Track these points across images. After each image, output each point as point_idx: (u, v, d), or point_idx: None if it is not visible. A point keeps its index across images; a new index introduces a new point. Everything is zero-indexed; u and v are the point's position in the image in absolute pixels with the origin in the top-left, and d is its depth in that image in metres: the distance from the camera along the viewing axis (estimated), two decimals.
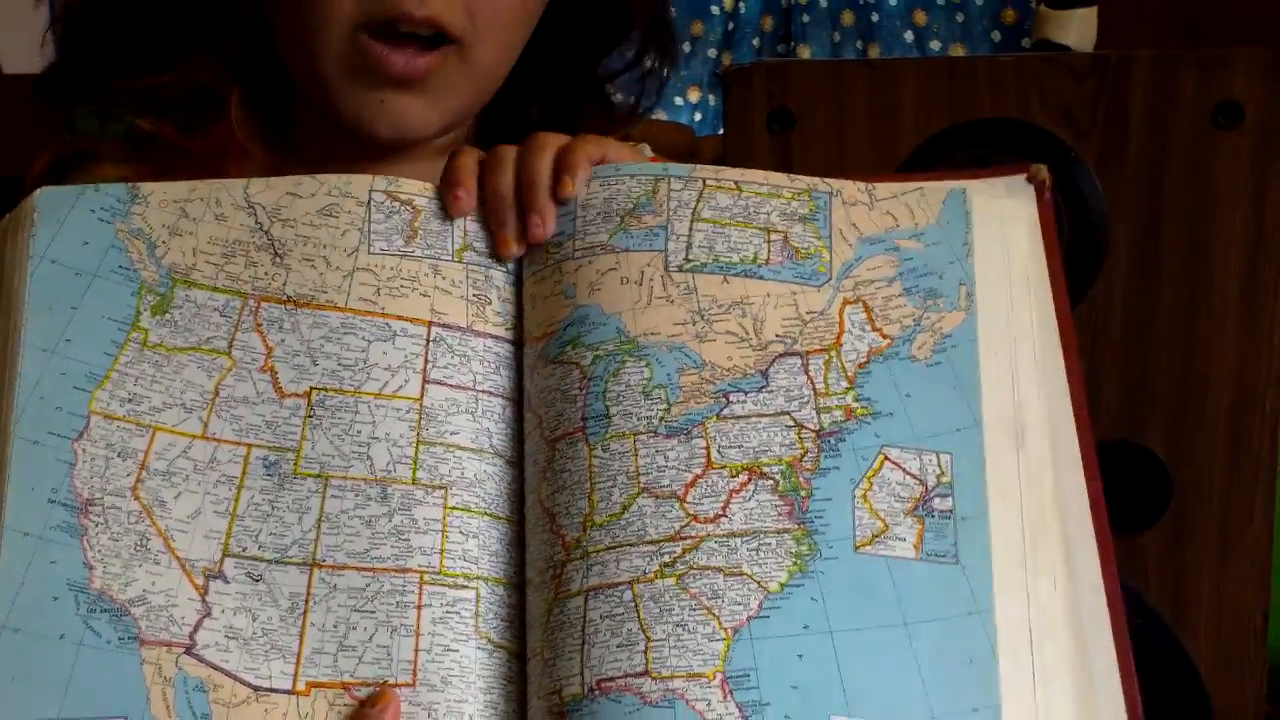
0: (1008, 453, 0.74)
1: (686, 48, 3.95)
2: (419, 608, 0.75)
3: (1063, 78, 1.27)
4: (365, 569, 0.75)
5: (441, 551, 0.76)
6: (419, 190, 0.80)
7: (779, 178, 0.79)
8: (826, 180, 0.79)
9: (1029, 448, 0.75)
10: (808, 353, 0.76)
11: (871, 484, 0.74)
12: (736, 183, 0.79)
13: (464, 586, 0.76)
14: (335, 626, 0.75)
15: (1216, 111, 1.23)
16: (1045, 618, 0.73)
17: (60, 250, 0.78)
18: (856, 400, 0.75)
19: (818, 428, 0.75)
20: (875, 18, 3.79)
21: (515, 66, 0.96)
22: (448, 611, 0.76)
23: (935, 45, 3.77)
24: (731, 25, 3.90)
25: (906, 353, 0.75)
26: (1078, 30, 1.42)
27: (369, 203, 0.79)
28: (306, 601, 0.75)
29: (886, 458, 0.74)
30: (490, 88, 0.95)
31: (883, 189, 0.78)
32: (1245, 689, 1.30)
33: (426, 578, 0.76)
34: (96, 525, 0.75)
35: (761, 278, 0.77)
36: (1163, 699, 1.30)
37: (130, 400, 0.77)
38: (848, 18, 3.84)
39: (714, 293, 0.77)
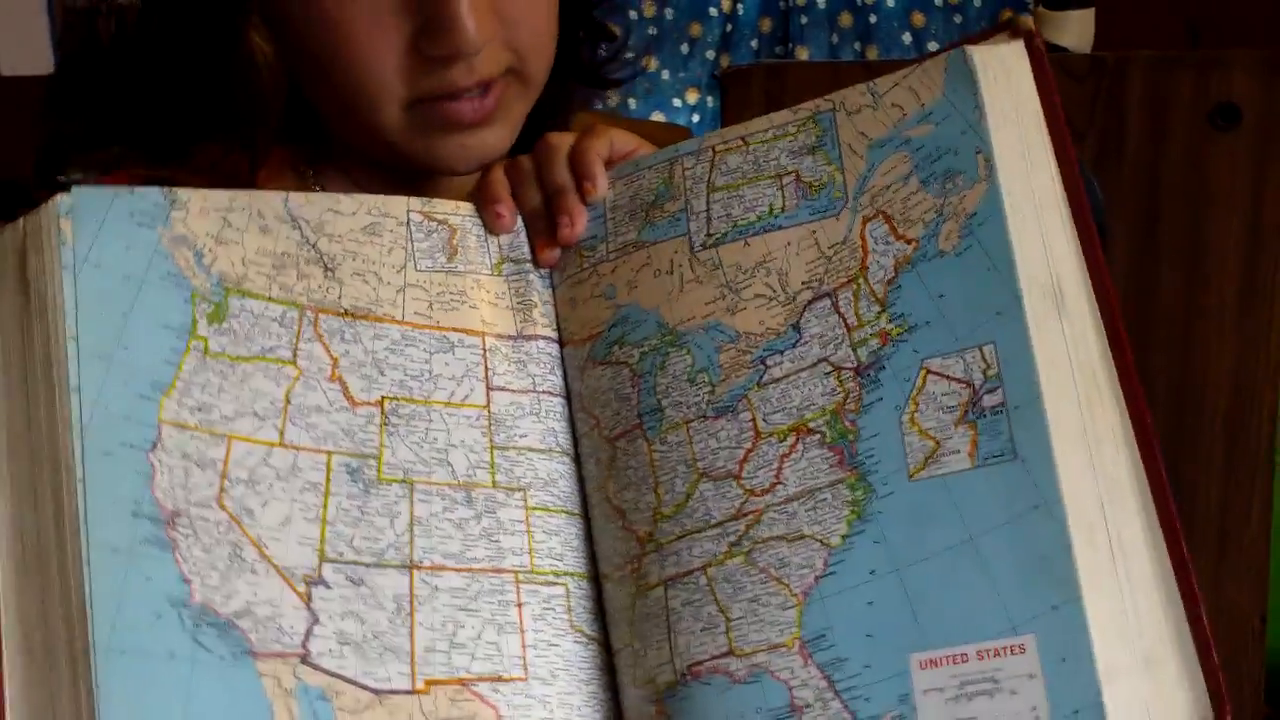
0: (1051, 320, 0.72)
1: (685, 49, 3.95)
2: (519, 605, 0.77)
3: (1061, 79, 1.26)
4: (463, 569, 0.77)
5: (530, 551, 0.78)
6: (452, 210, 0.82)
7: (782, 115, 0.79)
8: (828, 96, 0.78)
9: (1070, 308, 0.73)
10: (836, 289, 0.76)
11: (917, 404, 0.73)
12: (743, 138, 0.80)
13: (554, 583, 0.78)
14: (444, 625, 0.76)
15: (1214, 112, 1.24)
16: (1115, 487, 0.71)
17: (102, 254, 0.76)
18: (890, 321, 0.74)
19: (855, 365, 0.74)
20: (873, 19, 3.79)
21: None
22: (545, 608, 0.77)
23: (933, 47, 3.77)
24: (730, 27, 3.90)
25: (934, 250, 0.74)
26: (1076, 32, 1.42)
27: (408, 223, 0.80)
28: (411, 602, 0.76)
29: (929, 370, 0.73)
30: (541, 88, 0.96)
31: (883, 81, 0.77)
32: (1244, 691, 1.30)
33: (521, 577, 0.77)
34: (186, 538, 0.74)
35: (781, 227, 0.77)
36: None
37: (200, 409, 0.75)
38: (846, 19, 3.85)
39: (738, 259, 0.78)
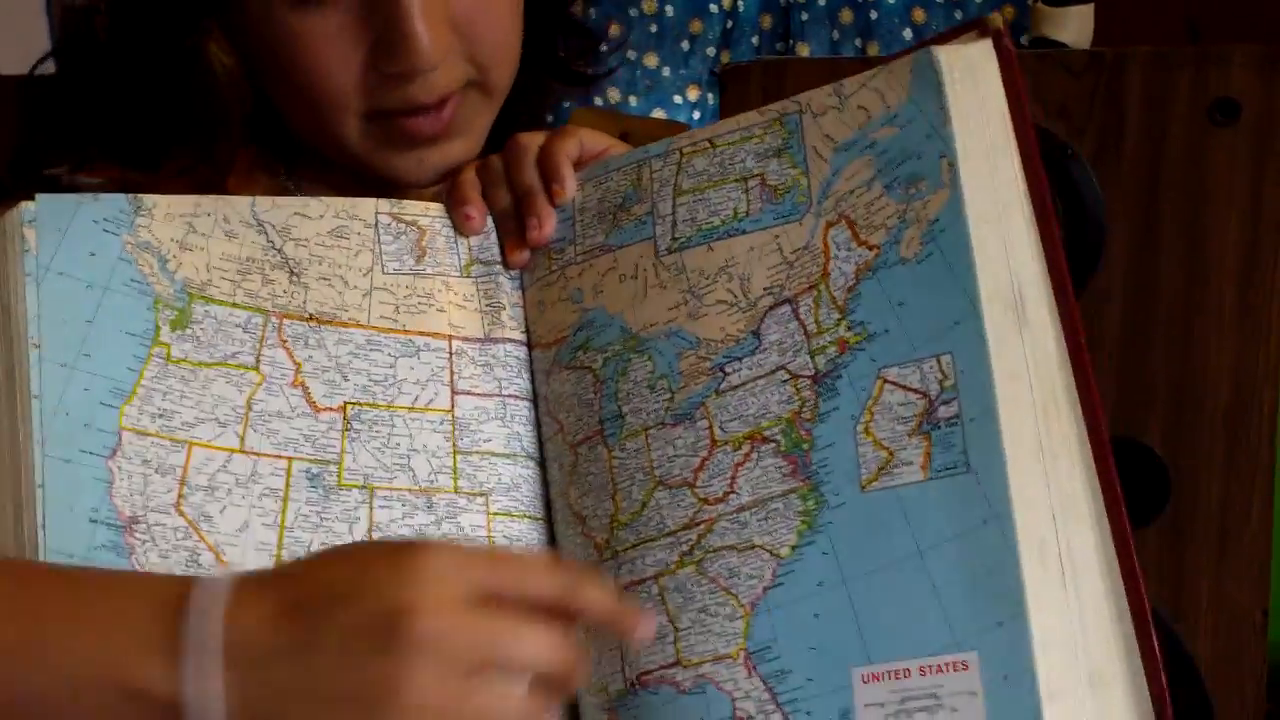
0: (1010, 330, 0.72)
1: (685, 46, 3.94)
2: None
3: (1059, 74, 1.26)
4: None
5: None
6: (421, 211, 0.82)
7: (750, 116, 0.79)
8: (795, 98, 0.79)
9: (1030, 318, 0.72)
10: (796, 295, 0.75)
11: (873, 414, 0.73)
12: (710, 140, 0.79)
13: None
14: None
15: (1213, 108, 1.23)
16: (1068, 501, 0.71)
17: (66, 262, 0.77)
18: (849, 329, 0.74)
19: (813, 372, 0.74)
20: (874, 15, 3.78)
21: None
22: None
23: None
24: (730, 23, 3.89)
25: (895, 257, 0.74)
26: (1074, 27, 1.41)
27: (376, 225, 0.80)
28: None
29: (885, 380, 0.73)
30: (505, 95, 0.95)
31: (850, 83, 0.77)
32: (1245, 687, 1.30)
33: None
34: (143, 543, 0.75)
35: (744, 231, 0.77)
36: None
37: (161, 416, 0.76)
38: (846, 16, 3.83)
39: (701, 264, 0.78)
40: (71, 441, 0.76)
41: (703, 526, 0.75)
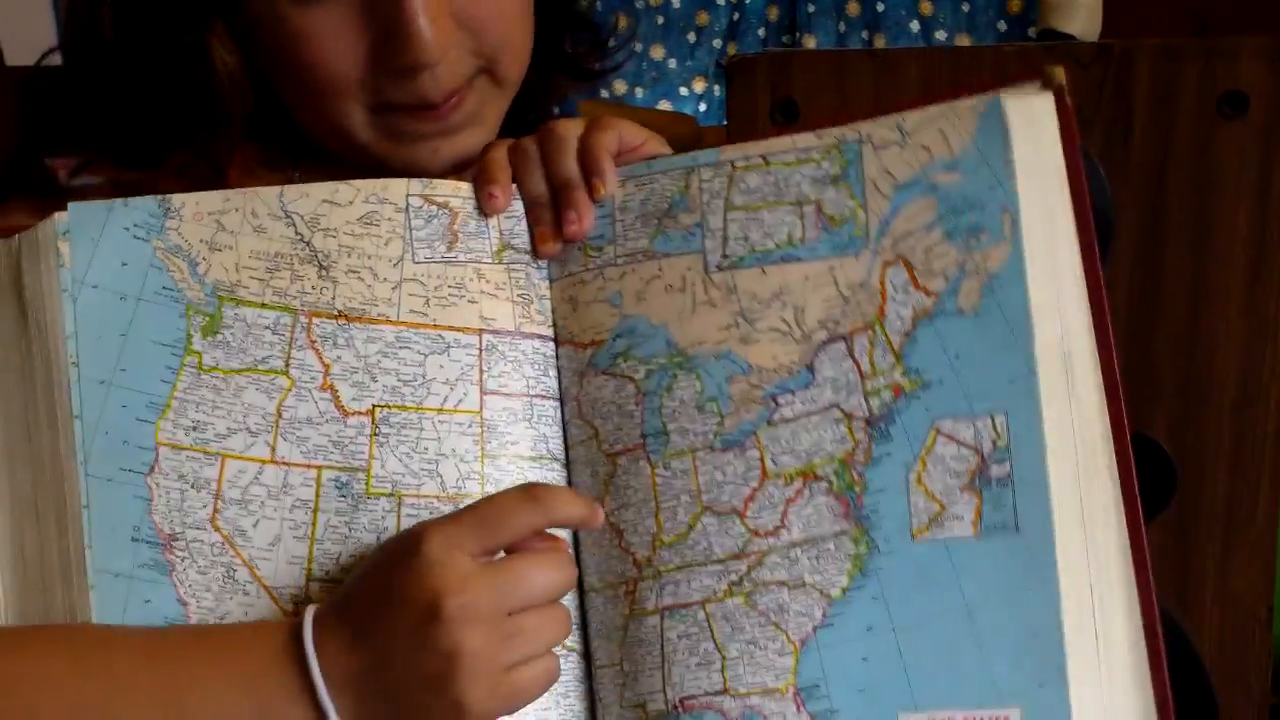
0: (1060, 393, 0.72)
1: (691, 38, 3.94)
2: None
3: (1067, 67, 1.26)
4: None
5: None
6: (453, 190, 0.79)
7: (806, 138, 0.77)
8: (855, 125, 0.76)
9: (1077, 377, 0.73)
10: (851, 333, 0.75)
11: (925, 464, 0.73)
12: (764, 157, 0.77)
13: None
14: None
15: (1221, 101, 1.23)
16: (1104, 571, 0.72)
17: (99, 274, 0.76)
18: (904, 374, 0.73)
19: (867, 415, 0.74)
20: (881, 7, 3.78)
21: None
22: None
23: (941, 35, 3.76)
24: (736, 15, 3.89)
25: (953, 307, 0.73)
26: (1082, 19, 1.41)
27: (407, 209, 0.78)
28: None
29: (939, 431, 0.73)
30: (517, 86, 0.94)
31: (913, 119, 0.75)
32: (1250, 681, 1.30)
33: None
34: (183, 560, 0.74)
35: (799, 259, 0.76)
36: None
37: (195, 428, 0.75)
38: (853, 7, 3.84)
39: (754, 288, 0.76)
40: (112, 460, 0.75)
41: (753, 558, 0.75)
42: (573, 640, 0.78)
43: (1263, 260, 1.24)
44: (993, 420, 0.72)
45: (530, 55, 0.92)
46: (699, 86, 3.97)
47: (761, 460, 0.75)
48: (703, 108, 3.94)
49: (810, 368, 0.75)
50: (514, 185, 0.81)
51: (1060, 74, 0.74)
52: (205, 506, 0.75)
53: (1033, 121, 0.74)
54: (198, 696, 0.71)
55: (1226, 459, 1.27)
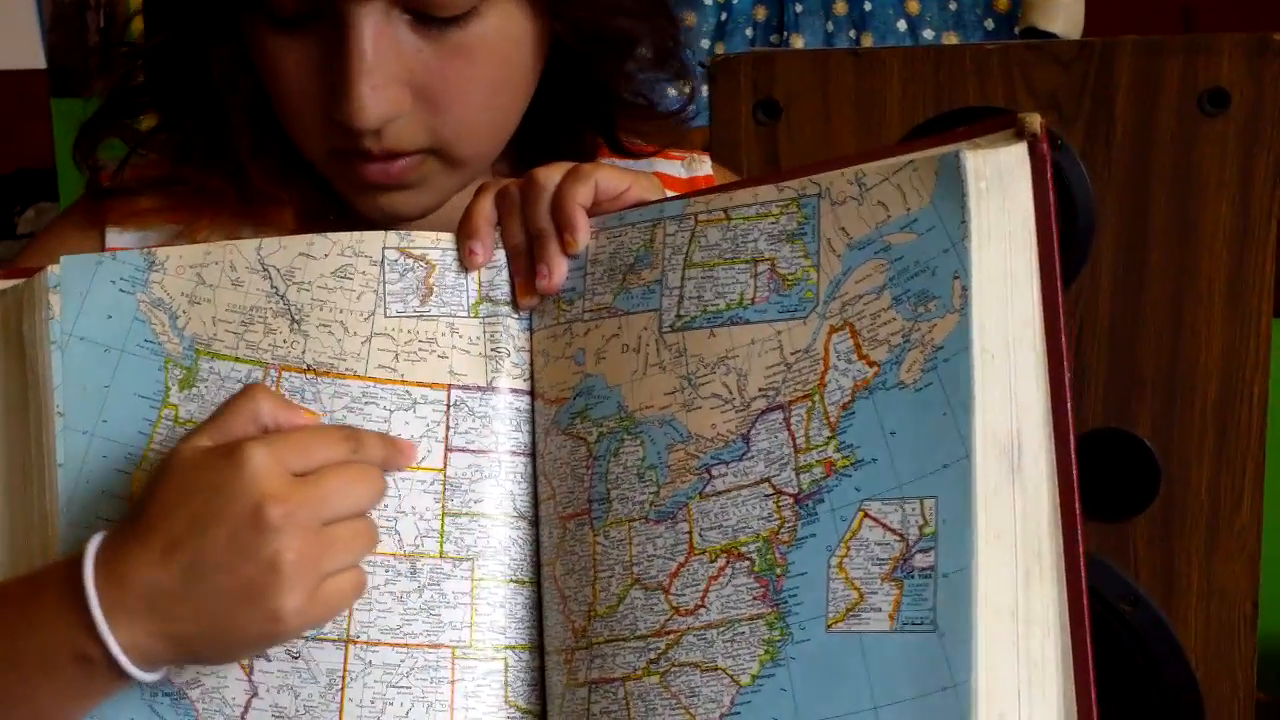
0: (1002, 481, 0.67)
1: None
2: (452, 683, 0.76)
3: (1048, 65, 1.26)
4: (399, 645, 0.76)
5: (471, 625, 0.76)
6: (432, 243, 0.79)
7: (768, 190, 0.73)
8: (815, 178, 0.72)
9: (1026, 468, 0.67)
10: (790, 403, 0.71)
11: (849, 548, 0.68)
12: (725, 210, 0.74)
13: (493, 658, 0.77)
14: (373, 702, 0.75)
15: (1202, 97, 1.23)
16: (1038, 674, 0.66)
17: (87, 326, 0.77)
18: (838, 450, 0.69)
19: (796, 491, 0.70)
20: (868, 7, 3.78)
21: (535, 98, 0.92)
22: (479, 685, 0.76)
23: (929, 34, 3.76)
24: (724, 16, 3.89)
25: (894, 379, 0.68)
26: (1064, 18, 1.42)
27: (382, 261, 0.78)
28: (344, 678, 0.75)
29: (867, 514, 0.68)
30: (489, 160, 0.91)
31: (873, 172, 0.70)
32: (1235, 676, 1.30)
33: (458, 653, 0.76)
34: None
35: (748, 321, 0.73)
36: (1153, 686, 1.30)
37: None
38: (840, 7, 3.83)
39: (701, 351, 0.74)
40: (90, 509, 0.76)
41: (671, 636, 0.72)
42: (531, 702, 0.78)
43: (1245, 256, 1.25)
44: (922, 504, 0.67)
45: (506, 137, 0.91)
46: (685, 86, 3.94)
47: (690, 534, 0.73)
48: (691, 108, 3.92)
49: (746, 438, 0.72)
50: (497, 232, 0.80)
51: (1035, 121, 0.67)
52: None
53: (997, 175, 0.67)
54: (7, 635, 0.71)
55: (1210, 455, 1.27)
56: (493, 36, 0.83)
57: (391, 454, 0.75)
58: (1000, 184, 0.68)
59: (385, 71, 0.81)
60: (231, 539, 0.69)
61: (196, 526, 0.70)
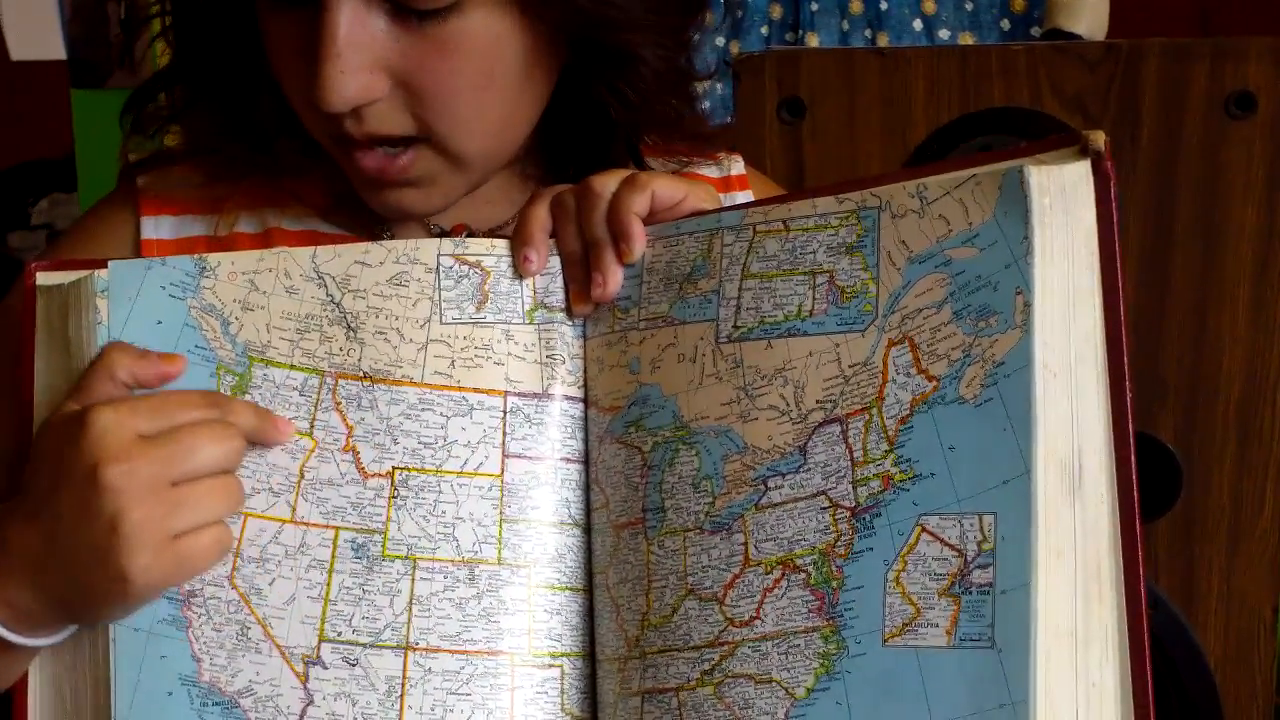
0: (1062, 499, 0.65)
1: (695, 36, 3.92)
2: (512, 690, 0.76)
3: (1075, 66, 1.26)
4: (458, 651, 0.75)
5: (529, 632, 0.76)
6: (486, 249, 0.78)
7: (827, 202, 0.73)
8: (876, 190, 0.72)
9: (1086, 487, 0.66)
10: (848, 416, 0.70)
11: (906, 563, 0.68)
12: (784, 222, 0.74)
13: (550, 665, 0.77)
14: (433, 709, 0.75)
15: (1229, 101, 1.23)
16: (1096, 694, 0.66)
17: (135, 331, 0.76)
18: (896, 464, 0.69)
19: (853, 504, 0.70)
20: (884, 6, 3.78)
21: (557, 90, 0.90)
22: (538, 692, 0.76)
23: (944, 34, 3.76)
24: (740, 13, 3.88)
25: (954, 394, 0.68)
26: (1089, 19, 1.41)
27: (437, 269, 0.78)
28: (403, 685, 0.75)
29: (924, 529, 0.68)
30: (496, 160, 0.90)
31: (934, 186, 0.70)
32: (1255, 680, 1.30)
33: (517, 659, 0.76)
34: (199, 617, 0.75)
35: (805, 333, 0.72)
36: (1173, 690, 1.30)
37: None
38: (856, 6, 3.83)
39: (758, 362, 0.73)
40: None
41: (726, 647, 0.71)
42: (585, 710, 0.77)
43: (1270, 260, 1.25)
44: (980, 520, 0.66)
45: (514, 134, 0.88)
46: (700, 85, 3.94)
47: (745, 546, 0.72)
48: (706, 105, 3.92)
49: (803, 450, 0.71)
50: (553, 240, 0.79)
51: (1100, 138, 0.67)
52: (225, 564, 0.75)
53: (1061, 192, 0.67)
54: None
55: (1232, 459, 1.27)
56: (475, 33, 0.82)
57: (262, 424, 0.75)
58: (1064, 201, 0.67)
59: (356, 56, 0.80)
60: (76, 501, 0.70)
61: (51, 490, 0.71)
